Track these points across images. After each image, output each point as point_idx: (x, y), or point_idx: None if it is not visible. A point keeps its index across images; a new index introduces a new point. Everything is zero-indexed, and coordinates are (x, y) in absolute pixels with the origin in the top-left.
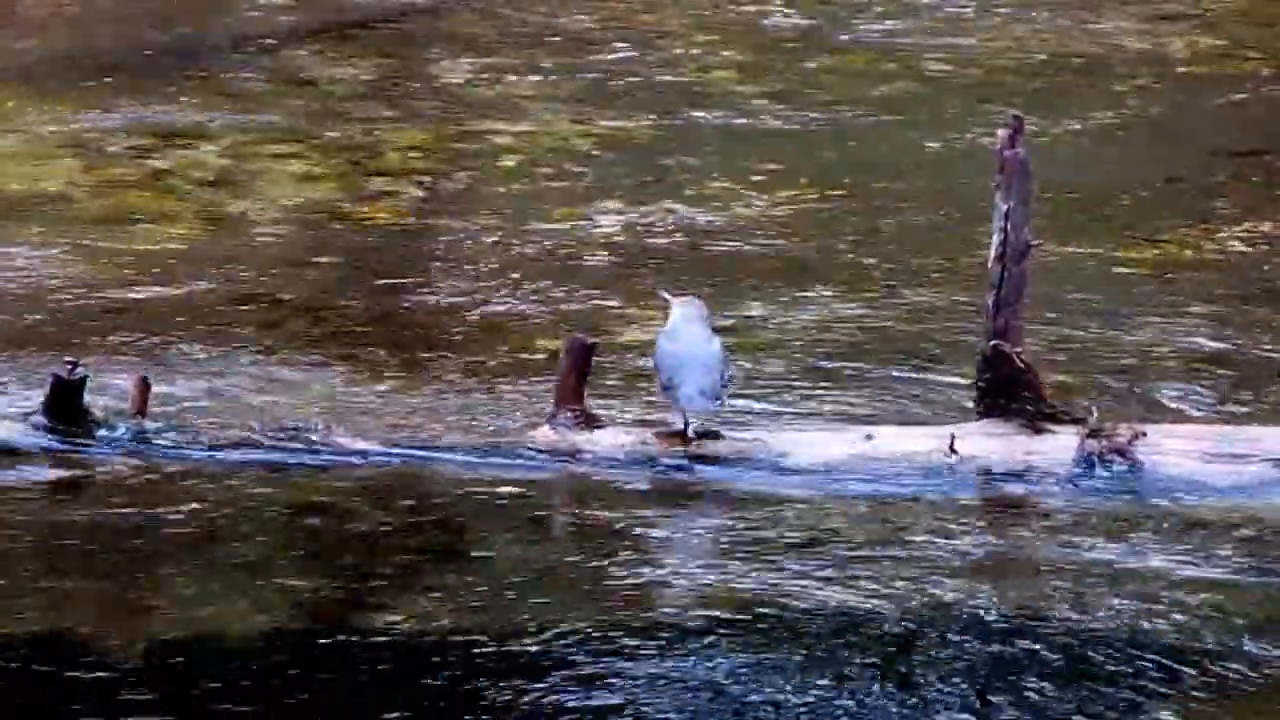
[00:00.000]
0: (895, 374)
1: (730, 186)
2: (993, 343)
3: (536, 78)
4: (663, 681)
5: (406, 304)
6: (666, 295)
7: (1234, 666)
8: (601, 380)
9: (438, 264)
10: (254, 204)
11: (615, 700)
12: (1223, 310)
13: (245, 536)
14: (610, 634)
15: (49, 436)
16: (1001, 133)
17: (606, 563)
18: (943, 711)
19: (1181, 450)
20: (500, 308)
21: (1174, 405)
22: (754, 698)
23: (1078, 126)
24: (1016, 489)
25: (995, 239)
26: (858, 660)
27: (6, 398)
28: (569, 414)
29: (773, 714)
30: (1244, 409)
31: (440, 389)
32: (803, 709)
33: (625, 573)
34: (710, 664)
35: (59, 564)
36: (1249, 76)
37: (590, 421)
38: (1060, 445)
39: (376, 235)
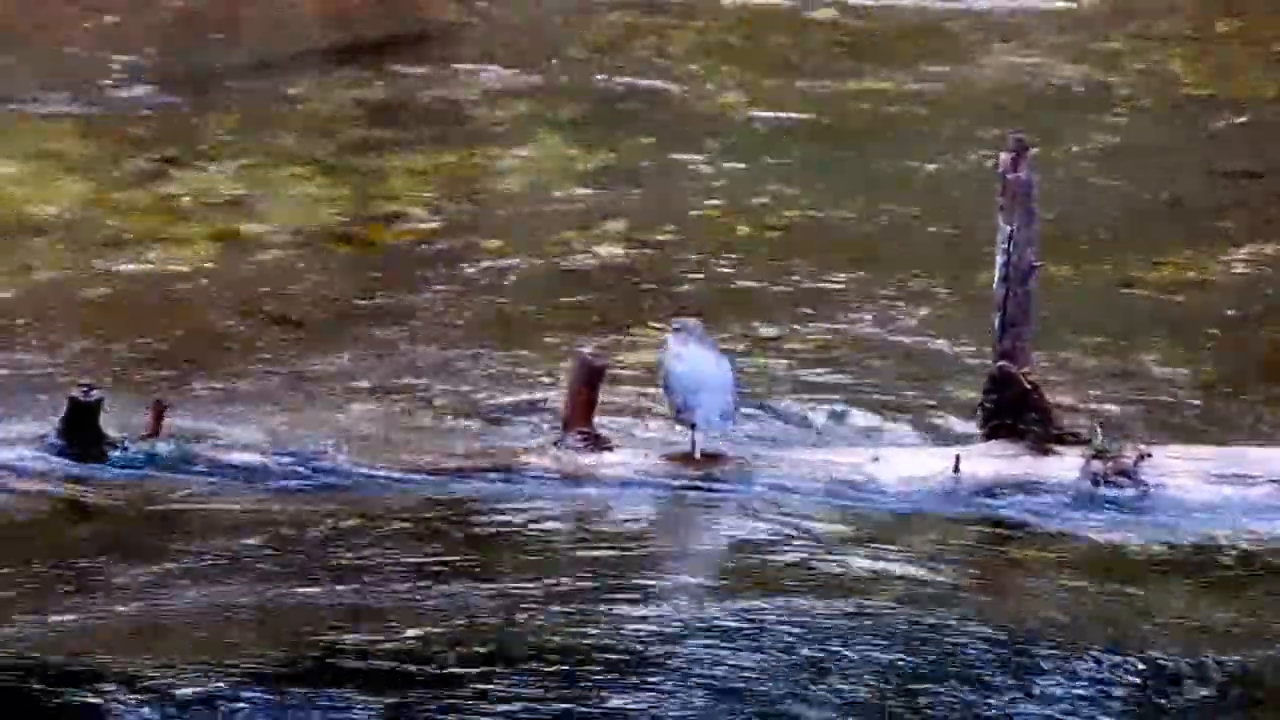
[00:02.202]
0: (902, 395)
1: (734, 207)
2: (999, 364)
3: (542, 101)
4: (661, 701)
5: (414, 326)
6: (672, 323)
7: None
8: (610, 402)
9: (445, 286)
10: (263, 226)
11: None
12: (1226, 332)
13: (256, 559)
14: (616, 650)
15: (64, 459)
16: (1004, 155)
17: (614, 583)
18: None
19: (1187, 471)
20: (508, 329)
21: (1179, 426)
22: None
23: (1080, 149)
24: (1022, 510)
25: (999, 261)
26: (860, 682)
27: (21, 420)
28: (577, 436)
29: None
30: (1249, 430)
31: (448, 411)
32: None
33: (632, 593)
34: (713, 681)
35: (71, 587)
36: (1250, 98)
37: (599, 443)
38: (1066, 466)
39: (384, 257)
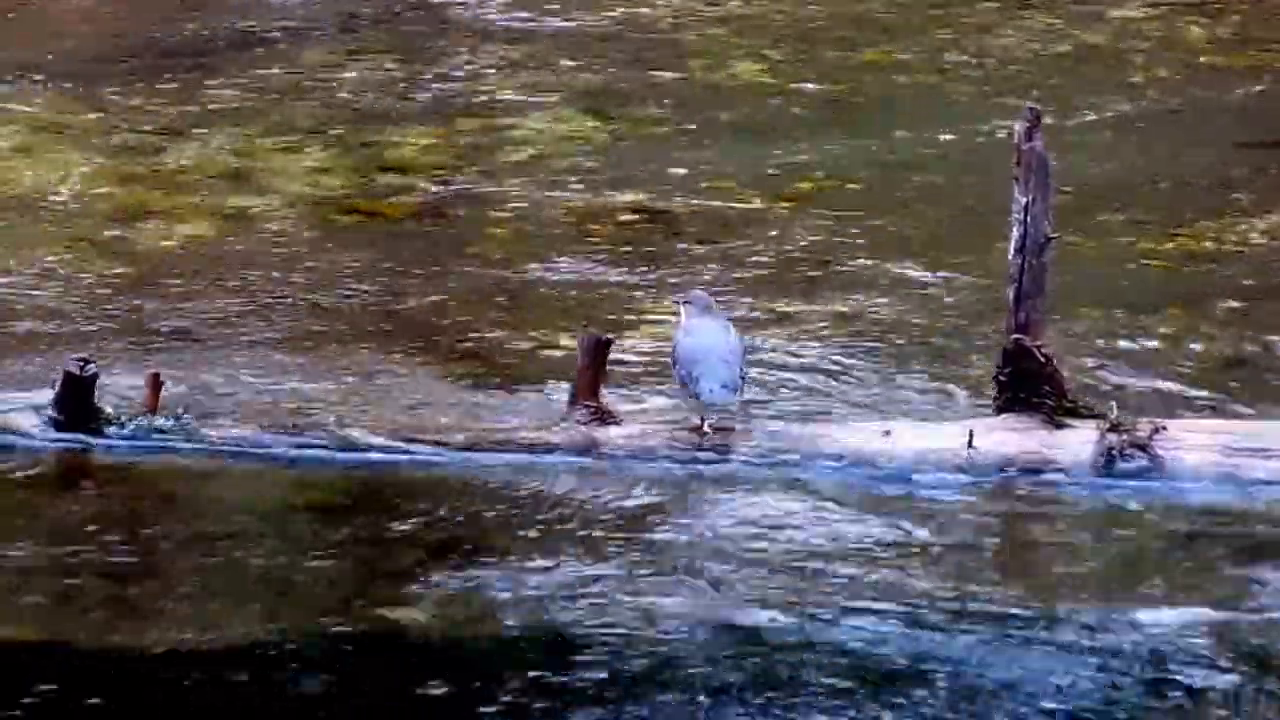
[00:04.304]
0: (914, 368)
1: (747, 180)
2: (1013, 337)
3: (549, 71)
4: (672, 685)
5: (420, 299)
6: (675, 301)
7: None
8: (617, 375)
9: (451, 259)
10: (266, 199)
11: (625, 705)
12: (1243, 303)
13: (255, 535)
14: (623, 636)
15: (59, 433)
16: (1019, 125)
17: (621, 561)
18: (963, 710)
19: (1202, 445)
20: (515, 302)
21: (1195, 399)
22: (766, 698)
23: (1095, 119)
24: (1036, 484)
25: (1014, 232)
26: (874, 661)
27: (17, 394)
28: (585, 409)
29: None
30: (1265, 403)
31: (454, 384)
32: (817, 710)
33: (639, 571)
34: (722, 669)
35: (65, 563)
36: (1268, 68)
37: (606, 417)
38: (1080, 440)
39: (389, 230)
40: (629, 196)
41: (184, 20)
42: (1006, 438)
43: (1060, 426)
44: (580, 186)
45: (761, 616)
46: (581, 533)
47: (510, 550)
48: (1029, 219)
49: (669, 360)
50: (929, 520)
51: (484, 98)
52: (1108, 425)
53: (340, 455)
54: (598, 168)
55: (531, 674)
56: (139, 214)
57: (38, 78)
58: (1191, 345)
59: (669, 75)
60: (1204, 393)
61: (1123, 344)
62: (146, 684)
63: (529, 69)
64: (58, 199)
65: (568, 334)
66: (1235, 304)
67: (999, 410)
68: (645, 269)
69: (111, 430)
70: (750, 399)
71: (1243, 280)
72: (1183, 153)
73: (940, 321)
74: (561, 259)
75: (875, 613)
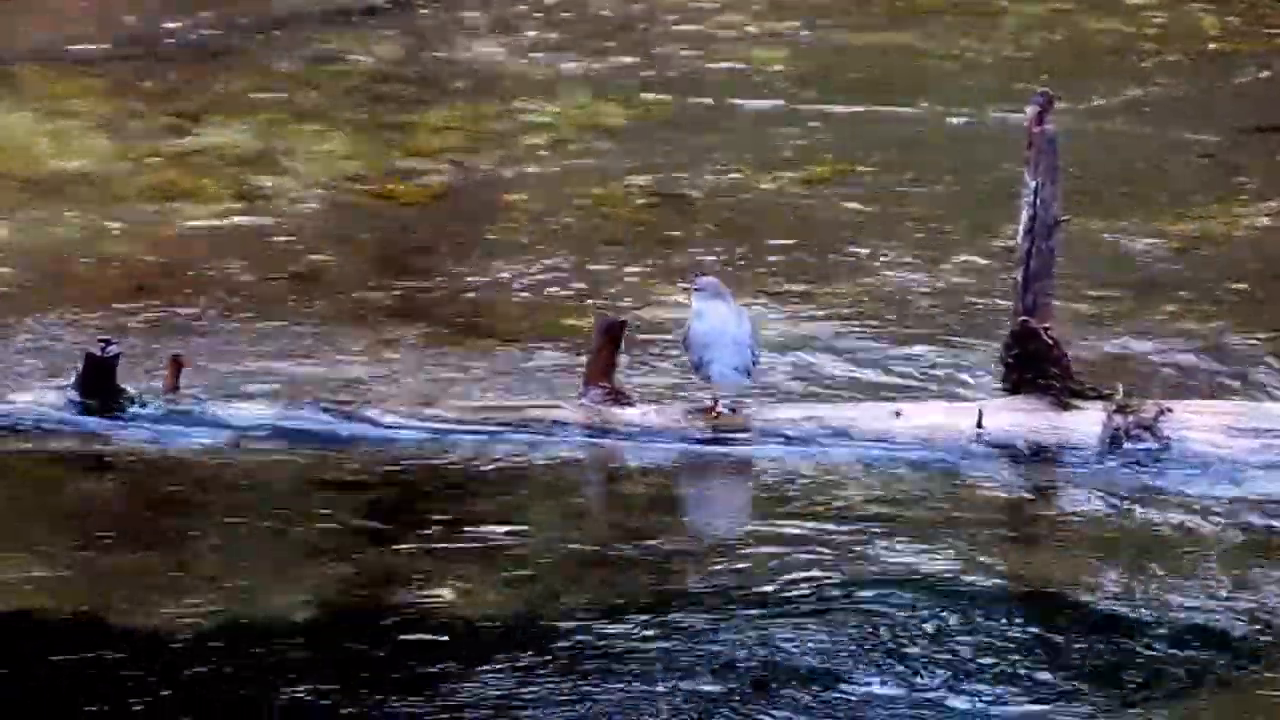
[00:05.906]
0: (924, 350)
1: (759, 163)
2: (1021, 319)
3: (566, 56)
4: (689, 661)
5: (438, 281)
6: (688, 284)
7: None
8: (631, 357)
9: (469, 241)
10: (286, 183)
11: (637, 684)
12: (1249, 286)
13: (276, 513)
14: (635, 613)
15: (82, 414)
16: (1030, 109)
17: (635, 541)
18: (972, 688)
19: (1207, 426)
20: (531, 285)
21: (1201, 381)
22: (783, 677)
23: (1105, 103)
24: (1044, 464)
25: (1024, 215)
26: (885, 639)
27: (40, 374)
28: (599, 391)
29: (805, 696)
30: (1270, 385)
31: (471, 365)
32: (832, 688)
33: (653, 551)
34: (737, 645)
35: (91, 542)
36: (1276, 52)
37: (620, 399)
38: (1087, 421)
39: (408, 213)
40: (645, 180)
41: (202, 5)
42: (1016, 418)
43: (1067, 407)
44: (596, 170)
45: (771, 600)
46: (593, 512)
47: (525, 530)
48: (1038, 202)
49: (682, 344)
50: (935, 499)
51: (501, 82)
52: (1114, 407)
53: (358, 434)
54: (614, 151)
55: (542, 653)
56: (160, 197)
57: (59, 63)
58: (1198, 328)
59: (684, 58)
60: (1209, 375)
61: (1129, 327)
62: (174, 656)
63: (546, 53)
64: (79, 182)
65: (583, 316)
66: (1243, 286)
67: (1009, 391)
68: (660, 252)
69: (133, 410)
70: (764, 380)
71: (1249, 263)
72: (1192, 137)
73: (951, 303)
74: (578, 242)
75: (878, 593)
